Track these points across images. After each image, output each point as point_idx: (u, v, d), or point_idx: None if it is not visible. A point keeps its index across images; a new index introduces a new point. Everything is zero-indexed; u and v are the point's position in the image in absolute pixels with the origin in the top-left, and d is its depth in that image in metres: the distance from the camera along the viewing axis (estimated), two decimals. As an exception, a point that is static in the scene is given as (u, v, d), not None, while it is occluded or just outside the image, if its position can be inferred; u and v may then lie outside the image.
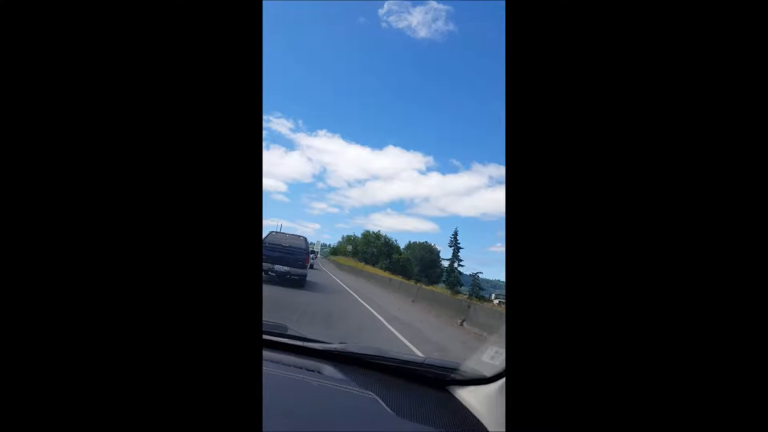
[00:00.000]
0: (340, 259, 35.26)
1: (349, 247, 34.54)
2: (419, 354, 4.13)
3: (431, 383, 0.95)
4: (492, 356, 0.89)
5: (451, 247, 46.41)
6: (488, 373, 0.82)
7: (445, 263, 47.20)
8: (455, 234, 46.01)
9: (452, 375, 0.93)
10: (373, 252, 38.71)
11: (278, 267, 8.65)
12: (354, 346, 1.07)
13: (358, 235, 44.18)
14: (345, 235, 47.03)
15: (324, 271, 21.31)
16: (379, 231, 43.05)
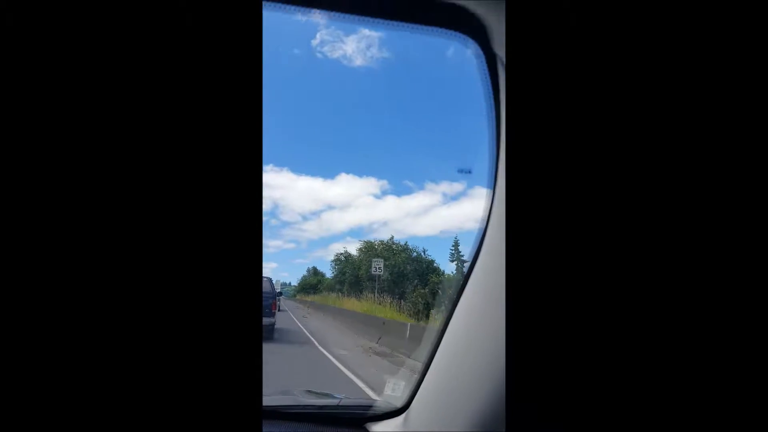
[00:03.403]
0: (336, 301, 17.42)
1: (378, 267, 14.84)
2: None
3: (348, 423, 0.96)
4: (393, 389, 0.93)
5: (453, 261, 31.45)
6: (399, 404, 0.86)
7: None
8: (456, 244, 31.15)
9: (368, 412, 0.95)
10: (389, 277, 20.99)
11: None
12: (266, 398, 0.99)
13: (356, 252, 26.33)
14: (339, 254, 28.83)
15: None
16: (392, 238, 25.44)
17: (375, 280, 15.85)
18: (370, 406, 0.95)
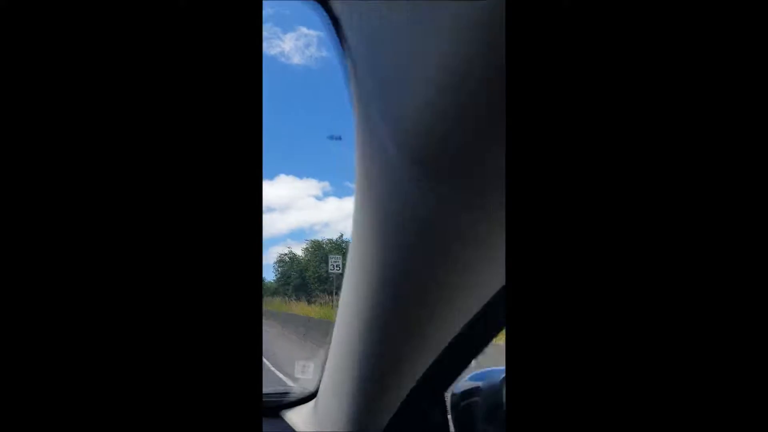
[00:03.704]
0: (282, 305, 15.20)
1: (336, 265, 12.70)
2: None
3: (264, 413, 0.94)
4: (302, 371, 0.99)
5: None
6: (313, 389, 0.84)
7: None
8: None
9: (284, 400, 0.94)
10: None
11: None
12: None
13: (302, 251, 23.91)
14: (282, 255, 26.28)
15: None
16: (341, 236, 23.39)
17: (332, 281, 14.03)
18: (287, 393, 0.95)
